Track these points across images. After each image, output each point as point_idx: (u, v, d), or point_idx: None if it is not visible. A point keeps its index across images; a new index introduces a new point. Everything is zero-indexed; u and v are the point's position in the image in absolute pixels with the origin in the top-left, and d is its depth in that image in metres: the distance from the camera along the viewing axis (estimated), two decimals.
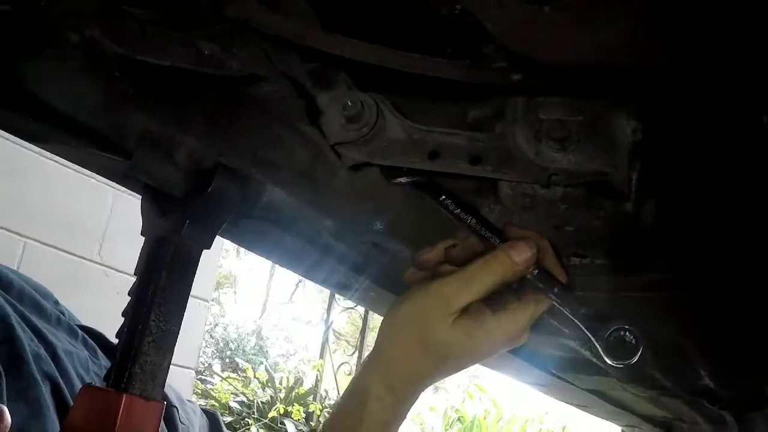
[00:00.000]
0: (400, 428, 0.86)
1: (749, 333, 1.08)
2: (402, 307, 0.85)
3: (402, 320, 0.84)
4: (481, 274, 0.81)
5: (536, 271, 0.82)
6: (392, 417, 0.84)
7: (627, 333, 0.78)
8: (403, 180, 0.83)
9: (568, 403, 2.07)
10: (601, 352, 0.79)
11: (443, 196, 0.83)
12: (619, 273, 0.91)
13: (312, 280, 1.26)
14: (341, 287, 1.17)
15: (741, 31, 0.61)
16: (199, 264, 0.81)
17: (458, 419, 7.31)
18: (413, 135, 0.81)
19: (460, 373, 0.90)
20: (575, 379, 1.60)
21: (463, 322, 0.81)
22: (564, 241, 0.88)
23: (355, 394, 0.85)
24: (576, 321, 0.81)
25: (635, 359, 0.77)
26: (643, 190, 0.80)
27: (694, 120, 0.75)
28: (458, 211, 0.83)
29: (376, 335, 0.88)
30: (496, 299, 0.83)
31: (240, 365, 8.64)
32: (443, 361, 0.84)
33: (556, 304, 0.82)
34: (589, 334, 0.80)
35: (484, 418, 7.30)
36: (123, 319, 0.77)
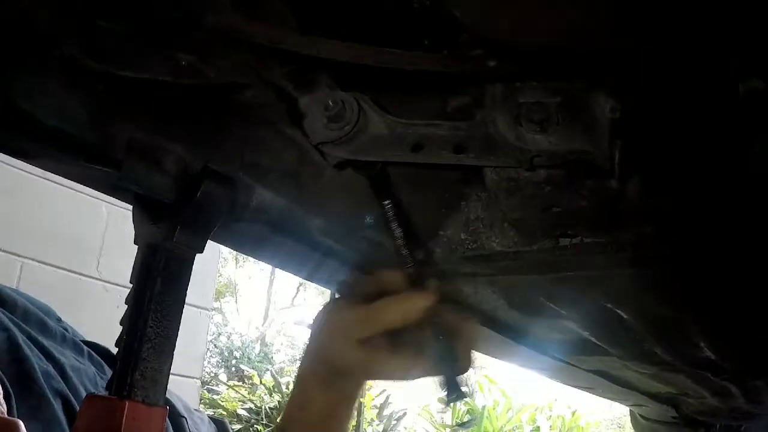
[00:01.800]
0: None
1: (747, 302, 1.09)
2: (323, 321, 0.91)
3: (318, 334, 0.91)
4: (382, 313, 0.84)
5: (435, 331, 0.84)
6: (329, 411, 0.91)
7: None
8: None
9: (573, 386, 2.08)
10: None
11: (387, 201, 0.85)
12: (610, 250, 0.92)
13: (314, 282, 1.28)
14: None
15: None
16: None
17: (468, 411, 7.32)
18: (396, 129, 0.82)
19: None
20: (578, 360, 1.61)
21: (361, 352, 0.85)
22: (552, 223, 0.89)
23: (298, 388, 0.94)
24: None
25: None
26: (626, 167, 0.81)
27: (673, 93, 0.76)
28: (392, 215, 0.85)
29: None
30: (402, 338, 0.85)
31: (246, 373, 8.64)
32: (349, 375, 0.90)
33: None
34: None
35: (494, 408, 7.31)
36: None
